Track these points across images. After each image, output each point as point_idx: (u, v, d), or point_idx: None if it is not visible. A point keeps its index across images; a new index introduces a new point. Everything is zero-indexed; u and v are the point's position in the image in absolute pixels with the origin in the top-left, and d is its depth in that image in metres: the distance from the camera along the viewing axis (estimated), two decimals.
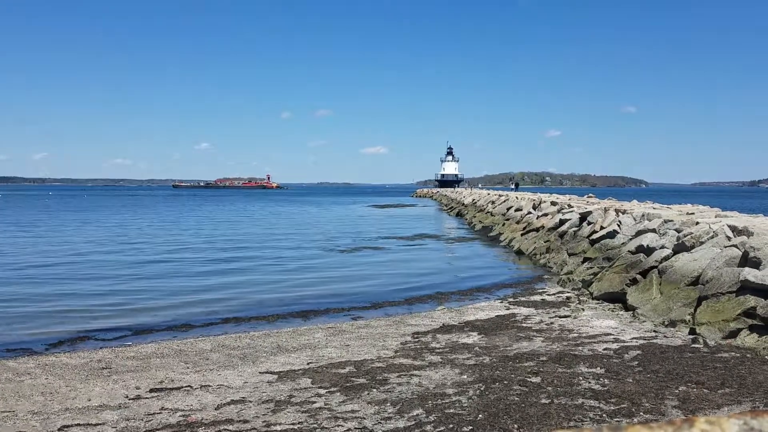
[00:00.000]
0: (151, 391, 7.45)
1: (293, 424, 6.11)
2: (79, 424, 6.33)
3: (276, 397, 7.02)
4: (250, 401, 6.91)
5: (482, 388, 6.81)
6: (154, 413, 6.62)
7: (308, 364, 8.50)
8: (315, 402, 6.76)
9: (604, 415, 5.87)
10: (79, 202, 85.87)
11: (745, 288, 8.86)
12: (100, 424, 6.34)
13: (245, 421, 6.25)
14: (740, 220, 13.29)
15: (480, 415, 5.97)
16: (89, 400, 7.12)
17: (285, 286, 16.57)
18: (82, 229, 37.20)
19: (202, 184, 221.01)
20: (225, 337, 10.60)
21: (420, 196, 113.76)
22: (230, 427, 6.10)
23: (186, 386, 7.60)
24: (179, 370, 8.42)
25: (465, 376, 7.38)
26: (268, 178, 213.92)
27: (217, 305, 13.75)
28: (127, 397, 7.24)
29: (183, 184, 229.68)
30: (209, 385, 7.60)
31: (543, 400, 6.30)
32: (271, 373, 8.10)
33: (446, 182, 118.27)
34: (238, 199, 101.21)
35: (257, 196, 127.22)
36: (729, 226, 11.61)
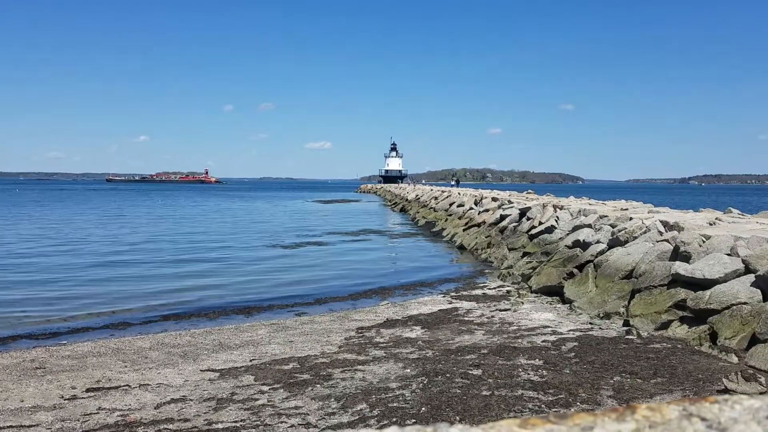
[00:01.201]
0: (88, 390, 7.23)
1: (235, 421, 6.04)
2: (11, 426, 6.10)
3: (218, 394, 6.93)
4: (191, 399, 6.80)
5: (425, 382, 6.89)
6: (90, 413, 6.43)
7: (251, 361, 8.41)
8: (258, 399, 6.70)
9: (542, 405, 6.03)
10: (10, 197, 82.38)
11: (676, 281, 9.23)
12: (34, 425, 6.13)
13: (186, 420, 6.14)
14: (671, 215, 13.83)
15: (423, 408, 6.04)
16: (22, 401, 6.87)
17: (227, 282, 16.33)
18: (13, 226, 35.72)
19: (137, 178, 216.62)
20: (165, 335, 10.38)
21: (364, 192, 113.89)
22: (171, 426, 5.99)
23: (124, 385, 7.41)
24: (117, 369, 8.21)
25: (408, 370, 7.45)
26: (207, 172, 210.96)
27: (156, 303, 13.43)
28: (62, 397, 7.01)
29: (117, 178, 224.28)
30: (148, 384, 7.44)
31: (484, 392, 6.42)
32: (213, 370, 7.99)
33: (390, 178, 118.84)
34: (175, 194, 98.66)
35: (196, 190, 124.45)
36: (661, 222, 12.06)
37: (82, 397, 6.99)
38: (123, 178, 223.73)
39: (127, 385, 7.44)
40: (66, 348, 9.57)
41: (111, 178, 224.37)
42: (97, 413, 6.44)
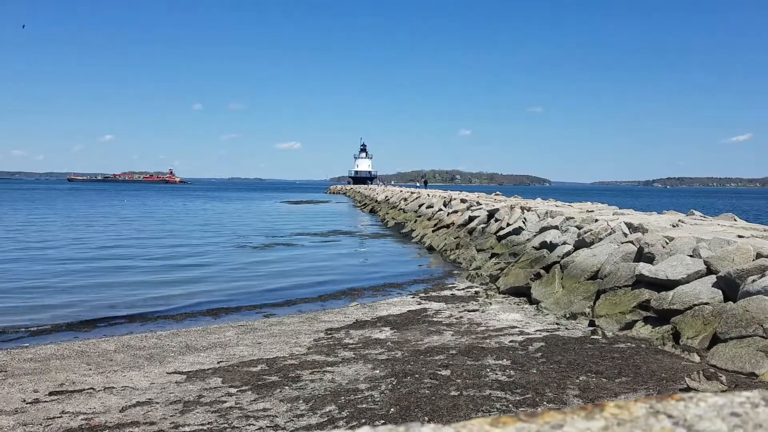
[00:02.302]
0: (51, 394, 7.09)
1: (203, 424, 5.98)
2: None
3: (184, 397, 6.85)
4: (157, 402, 6.70)
5: (394, 383, 6.90)
6: (54, 417, 6.30)
7: (218, 363, 8.33)
8: (225, 401, 6.64)
9: (510, 405, 6.08)
10: None
11: (640, 282, 9.40)
12: None
13: (152, 423, 6.06)
14: (636, 217, 14.08)
15: (392, 409, 6.05)
16: None
17: (194, 284, 16.14)
18: None
19: (99, 177, 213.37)
20: (130, 337, 10.22)
21: (334, 193, 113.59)
22: (136, 430, 5.90)
23: (88, 388, 7.28)
24: (81, 371, 8.06)
25: (377, 371, 7.45)
26: (171, 172, 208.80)
27: (122, 305, 13.22)
28: (24, 401, 6.86)
29: (79, 177, 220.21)
30: (113, 387, 7.32)
31: (452, 393, 6.46)
32: (180, 373, 7.89)
33: (360, 179, 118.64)
34: (140, 195, 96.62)
35: (160, 191, 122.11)
36: (625, 224, 12.28)
37: (45, 401, 6.84)
38: (85, 178, 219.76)
39: (92, 388, 7.31)
40: (28, 351, 9.37)
41: (72, 177, 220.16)
42: (61, 417, 6.32)
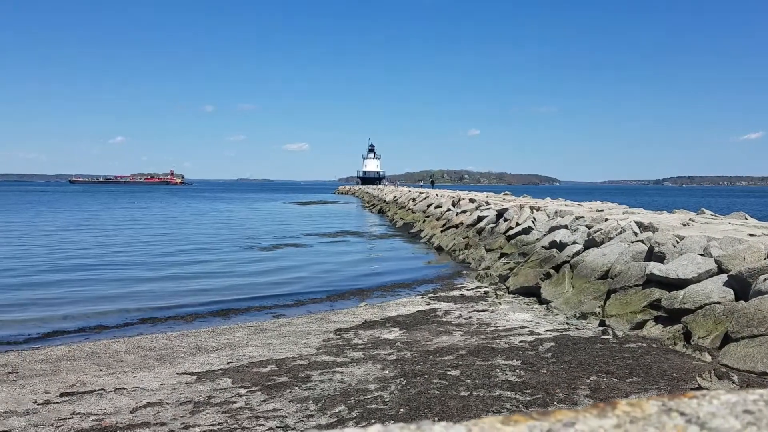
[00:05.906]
0: (62, 395, 7.13)
1: (213, 425, 5.99)
2: None
3: (195, 398, 6.87)
4: (168, 403, 6.73)
5: (403, 383, 6.90)
6: (65, 418, 6.34)
7: (228, 363, 8.35)
8: (235, 402, 6.65)
9: (520, 405, 6.06)
10: None
11: (651, 281, 9.34)
12: (7, 431, 6.02)
13: (162, 424, 6.08)
14: (646, 216, 14.01)
15: (401, 410, 6.04)
16: None
17: (203, 284, 16.19)
18: None
19: (100, 179, 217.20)
20: (140, 338, 10.26)
21: (342, 193, 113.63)
22: (146, 430, 5.92)
23: (99, 389, 7.32)
24: (92, 372, 8.09)
25: (387, 372, 7.45)
26: (172, 173, 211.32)
27: (132, 306, 13.27)
28: (35, 402, 6.90)
29: (80, 179, 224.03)
30: (124, 388, 7.35)
31: (462, 393, 6.44)
32: (190, 373, 7.91)
33: (368, 179, 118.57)
34: (143, 196, 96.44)
35: (163, 192, 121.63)
36: (636, 223, 12.22)
37: (56, 402, 6.88)
38: (86, 179, 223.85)
39: (102, 389, 7.34)
40: (39, 352, 9.42)
41: (74, 179, 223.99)
42: (72, 418, 6.35)
